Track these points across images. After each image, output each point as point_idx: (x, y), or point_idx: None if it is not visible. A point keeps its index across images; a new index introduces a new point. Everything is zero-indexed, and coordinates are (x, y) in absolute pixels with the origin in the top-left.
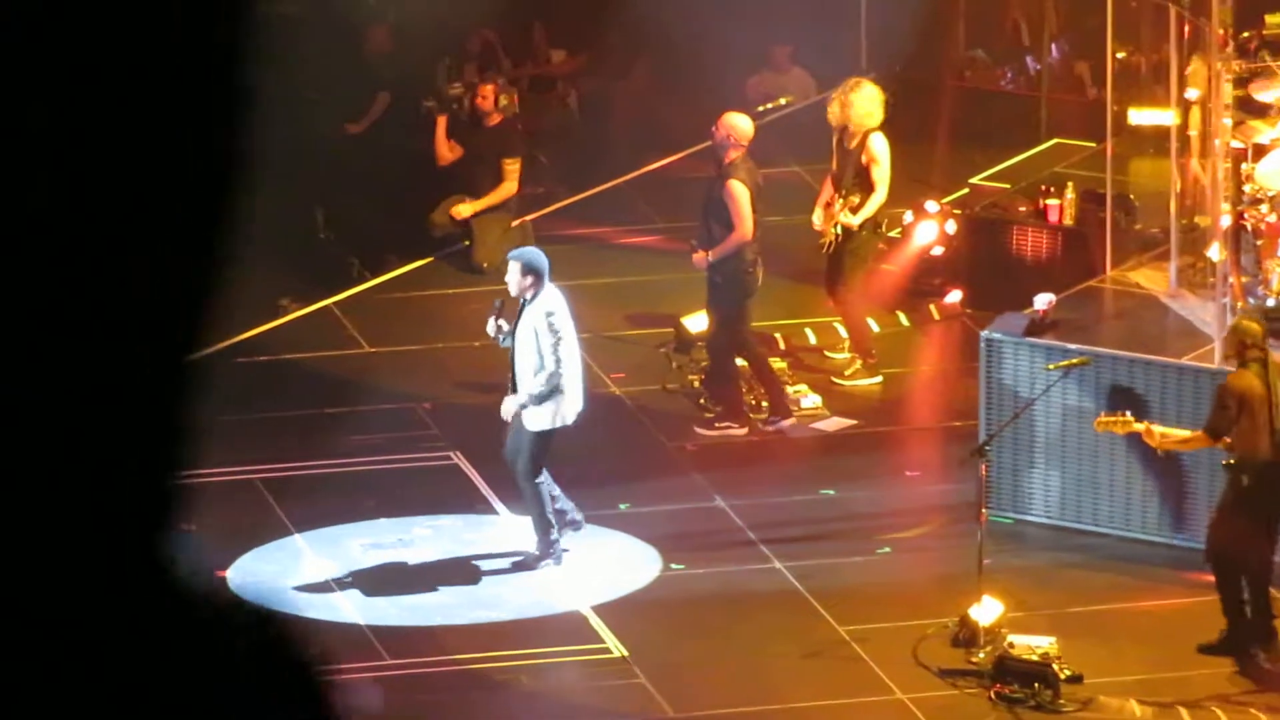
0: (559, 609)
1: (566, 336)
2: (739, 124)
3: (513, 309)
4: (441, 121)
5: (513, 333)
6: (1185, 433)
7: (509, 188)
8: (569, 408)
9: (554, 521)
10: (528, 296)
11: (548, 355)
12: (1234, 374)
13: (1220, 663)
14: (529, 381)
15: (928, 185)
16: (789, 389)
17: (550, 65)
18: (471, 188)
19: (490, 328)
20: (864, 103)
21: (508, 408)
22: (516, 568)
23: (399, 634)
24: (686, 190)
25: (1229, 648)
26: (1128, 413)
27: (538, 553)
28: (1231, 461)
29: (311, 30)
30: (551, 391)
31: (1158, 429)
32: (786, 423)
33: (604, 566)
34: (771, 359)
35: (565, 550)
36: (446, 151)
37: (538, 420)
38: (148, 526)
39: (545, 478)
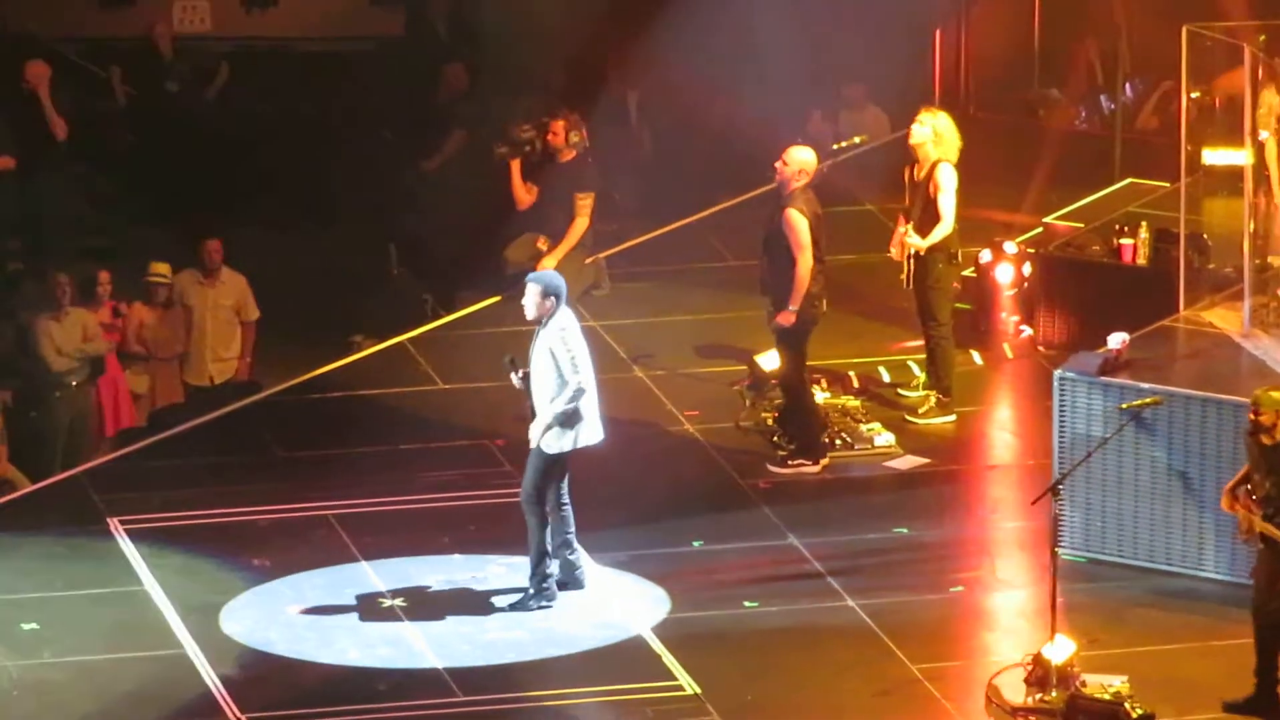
0: (633, 646)
1: (582, 355)
2: (803, 157)
3: (523, 358)
4: (515, 165)
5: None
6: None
7: (581, 224)
8: (587, 432)
9: (553, 556)
10: (543, 320)
11: (568, 373)
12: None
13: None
14: (551, 403)
15: (1002, 224)
16: (863, 427)
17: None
18: (546, 225)
19: (516, 382)
20: (948, 131)
21: (535, 431)
22: (513, 608)
23: (473, 672)
24: (758, 227)
25: (1256, 707)
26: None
27: (532, 590)
28: None
29: (388, 68)
30: (574, 411)
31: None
32: (810, 468)
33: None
34: (845, 397)
35: (556, 592)
36: (524, 194)
37: (554, 442)
38: None
39: (568, 511)
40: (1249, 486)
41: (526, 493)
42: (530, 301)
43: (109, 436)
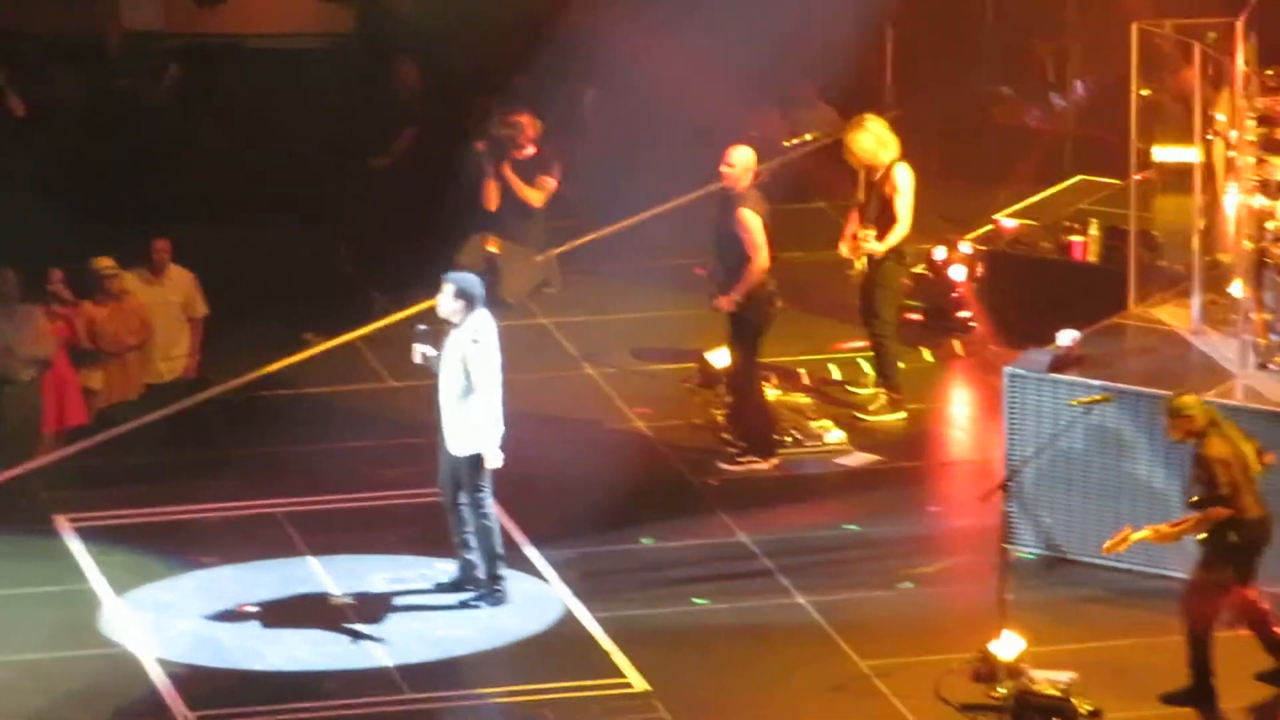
0: (582, 644)
1: (493, 362)
2: (746, 157)
3: (437, 337)
4: (492, 167)
5: (439, 358)
6: (1192, 516)
7: (533, 195)
8: (498, 431)
9: (503, 556)
10: (457, 321)
11: (477, 379)
12: (1205, 445)
13: (1237, 697)
14: (457, 408)
15: (953, 221)
16: (814, 424)
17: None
18: (499, 224)
19: (416, 355)
20: (865, 140)
21: (450, 438)
22: (464, 606)
23: (422, 670)
24: (710, 226)
25: (1193, 699)
26: (1127, 526)
27: (485, 590)
28: (1195, 502)
29: (339, 64)
30: (487, 415)
31: (1163, 526)
32: (761, 466)
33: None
34: (796, 394)
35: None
36: (497, 195)
37: (468, 445)
38: None
39: (493, 511)
40: None
41: (471, 502)
42: (444, 301)
43: (49, 433)
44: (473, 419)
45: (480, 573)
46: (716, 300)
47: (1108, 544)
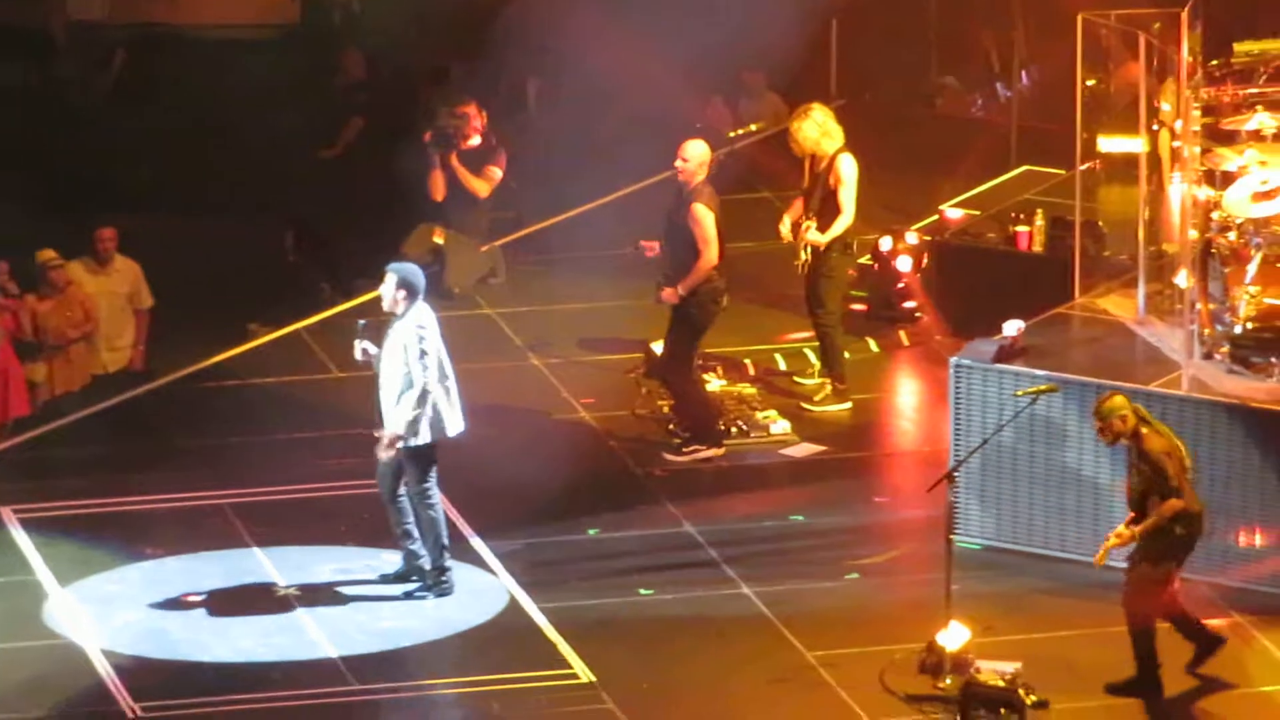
0: (528, 635)
1: (435, 353)
2: (701, 151)
3: (378, 333)
4: (439, 158)
5: (380, 354)
6: (1152, 516)
7: (479, 185)
8: (448, 423)
9: (448, 547)
10: (399, 312)
11: (416, 372)
12: (1145, 441)
13: (1183, 687)
14: (396, 401)
15: (899, 212)
16: (759, 414)
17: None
18: (445, 214)
19: (357, 351)
20: (810, 129)
21: (387, 441)
22: (410, 597)
23: (368, 661)
24: (657, 214)
25: (1139, 690)
26: (1108, 536)
27: (430, 581)
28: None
29: (284, 55)
30: (421, 409)
31: (1123, 530)
32: (706, 455)
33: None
34: (741, 384)
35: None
36: (443, 186)
37: (413, 436)
38: None
39: (439, 502)
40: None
41: (415, 494)
42: (386, 291)
43: None
44: (413, 410)
45: (425, 563)
46: (662, 292)
47: (1099, 557)
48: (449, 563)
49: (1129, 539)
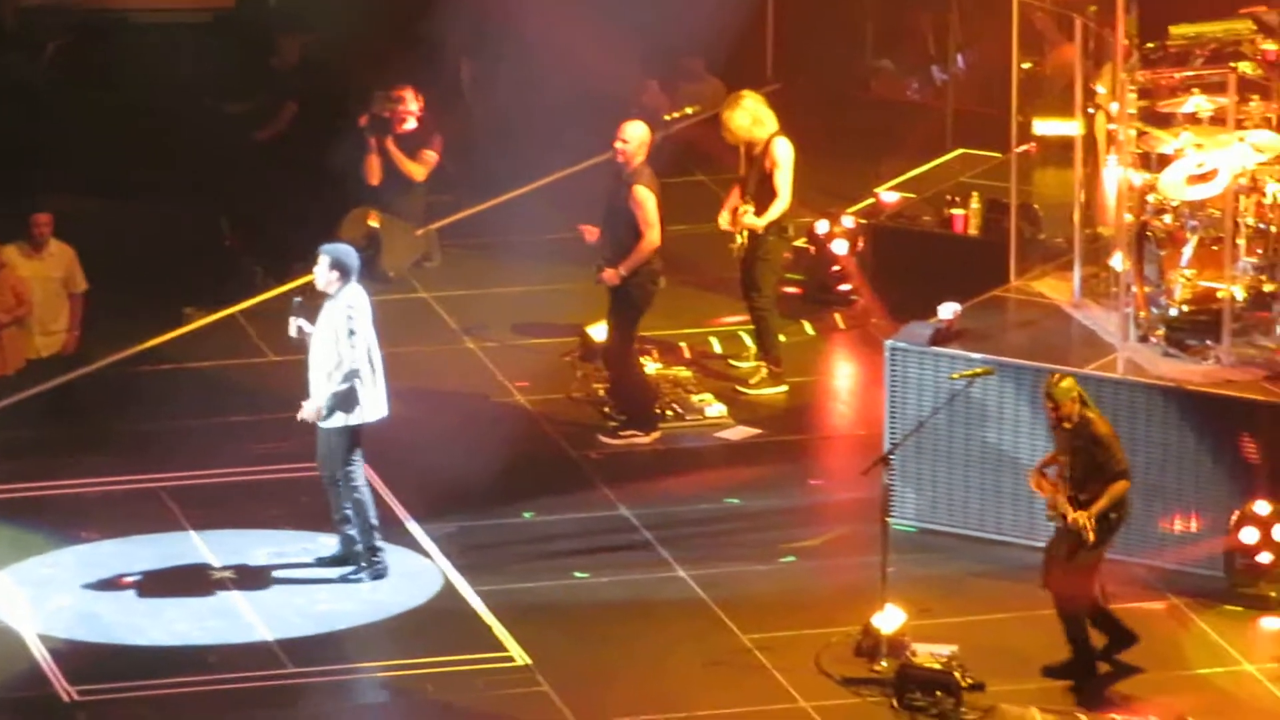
0: (464, 618)
1: (364, 334)
2: (640, 133)
3: (313, 312)
4: (375, 141)
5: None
6: (1103, 497)
7: (415, 169)
8: (370, 406)
9: (378, 528)
10: (331, 292)
11: (345, 352)
12: (1094, 425)
13: (1121, 670)
14: (325, 381)
15: (835, 195)
16: (694, 397)
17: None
18: (380, 197)
19: (291, 329)
20: (741, 117)
21: (308, 410)
22: (345, 580)
23: (303, 644)
24: (593, 198)
25: (1075, 672)
26: (1056, 497)
27: (364, 563)
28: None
29: (220, 39)
30: (350, 389)
31: (1079, 515)
32: (641, 439)
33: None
34: (676, 368)
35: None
36: (379, 169)
37: (338, 418)
38: None
39: (364, 484)
40: (1057, 467)
41: (341, 476)
42: (319, 272)
43: None
44: (340, 390)
45: (360, 547)
46: (603, 273)
47: (1051, 505)
48: (380, 543)
49: (1080, 528)
